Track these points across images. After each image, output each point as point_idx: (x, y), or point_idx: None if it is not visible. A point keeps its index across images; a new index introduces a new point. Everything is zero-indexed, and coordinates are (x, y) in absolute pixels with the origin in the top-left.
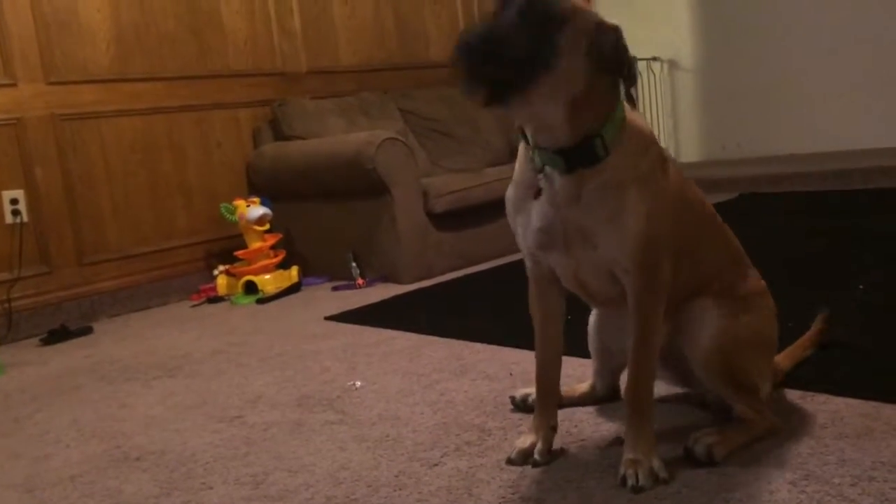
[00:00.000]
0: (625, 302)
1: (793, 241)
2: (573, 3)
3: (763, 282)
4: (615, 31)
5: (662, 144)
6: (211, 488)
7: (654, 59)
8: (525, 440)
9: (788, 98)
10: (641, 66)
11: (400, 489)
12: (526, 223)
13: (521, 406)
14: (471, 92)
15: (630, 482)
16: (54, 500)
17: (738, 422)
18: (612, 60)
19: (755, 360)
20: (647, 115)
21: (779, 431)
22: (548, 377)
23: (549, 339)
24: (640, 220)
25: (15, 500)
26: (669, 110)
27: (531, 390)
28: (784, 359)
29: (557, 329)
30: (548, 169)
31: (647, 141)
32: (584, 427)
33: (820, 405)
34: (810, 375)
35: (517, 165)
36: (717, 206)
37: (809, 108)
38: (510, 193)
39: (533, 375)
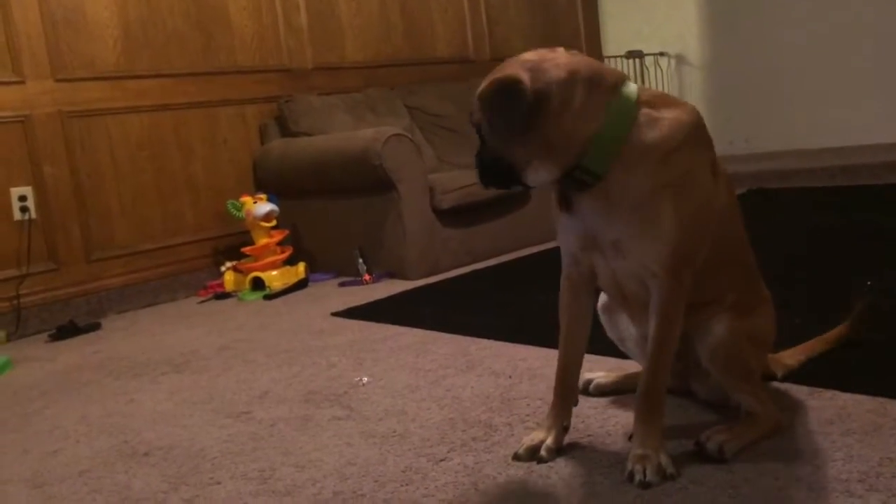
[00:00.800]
0: None
1: (800, 237)
2: (481, 95)
3: (767, 291)
4: (482, 104)
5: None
6: (219, 483)
7: (662, 54)
8: (534, 437)
9: (797, 93)
10: (649, 61)
11: (407, 484)
12: (566, 228)
13: (582, 390)
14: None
15: (638, 478)
16: (63, 494)
17: (746, 419)
18: (505, 113)
19: (755, 355)
20: None
21: (785, 429)
22: (568, 377)
23: (574, 340)
24: (672, 229)
25: (24, 495)
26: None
27: (594, 374)
28: (797, 353)
29: (584, 331)
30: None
31: (673, 146)
32: (590, 423)
33: (827, 401)
34: (818, 371)
35: None
36: None
37: (818, 103)
38: (553, 198)
39: (535, 371)
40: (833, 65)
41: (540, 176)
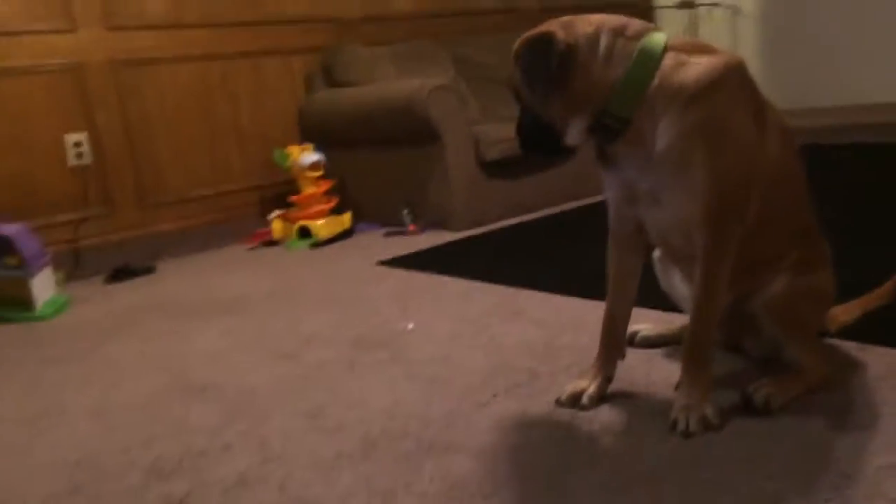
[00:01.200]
0: None
1: (855, 193)
2: (516, 57)
3: (828, 249)
4: (517, 61)
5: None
6: (270, 419)
7: (715, 4)
8: (577, 384)
9: (855, 46)
10: (701, 11)
11: (451, 426)
12: (608, 182)
13: (628, 342)
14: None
15: (680, 427)
16: (124, 425)
17: (794, 372)
18: (540, 68)
19: (813, 311)
20: None
21: (834, 382)
22: (614, 331)
23: (621, 295)
24: (705, 179)
25: (88, 425)
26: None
27: (640, 326)
28: (852, 308)
29: (631, 287)
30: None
31: (701, 89)
32: (635, 374)
33: (878, 357)
34: (869, 327)
35: None
36: None
37: (877, 57)
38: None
39: (579, 322)
40: (892, 18)
41: (575, 129)
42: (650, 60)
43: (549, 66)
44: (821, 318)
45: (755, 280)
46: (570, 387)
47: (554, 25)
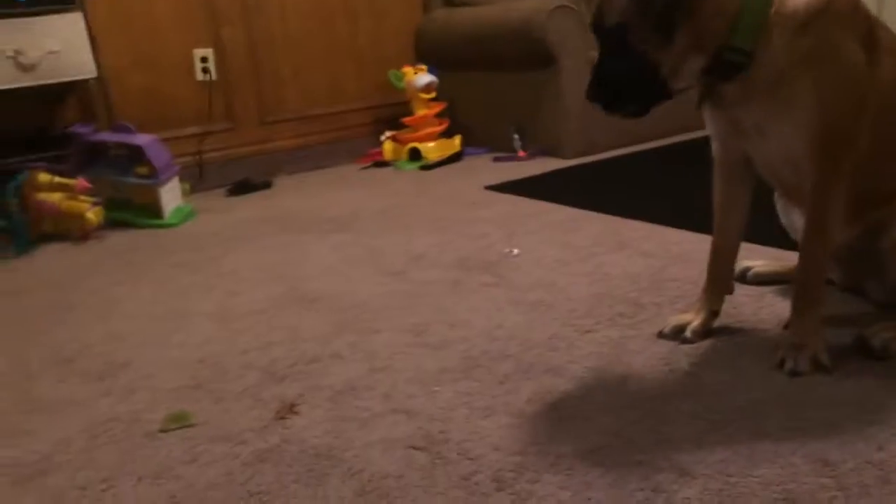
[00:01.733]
0: None
1: None
2: (618, 4)
3: None
4: None
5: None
6: (378, 332)
7: None
8: (682, 318)
9: None
10: None
11: (552, 350)
12: (710, 116)
13: (739, 278)
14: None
15: (789, 365)
16: (243, 329)
17: None
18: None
19: None
20: None
21: None
22: (720, 264)
23: (727, 227)
24: (809, 106)
25: (210, 326)
26: None
27: (754, 262)
28: None
29: (738, 219)
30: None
31: (811, 15)
32: (744, 310)
33: None
34: None
35: None
36: None
37: None
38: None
39: (688, 255)
40: None
41: (691, 69)
42: None
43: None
44: None
45: (880, 216)
46: (674, 319)
47: None
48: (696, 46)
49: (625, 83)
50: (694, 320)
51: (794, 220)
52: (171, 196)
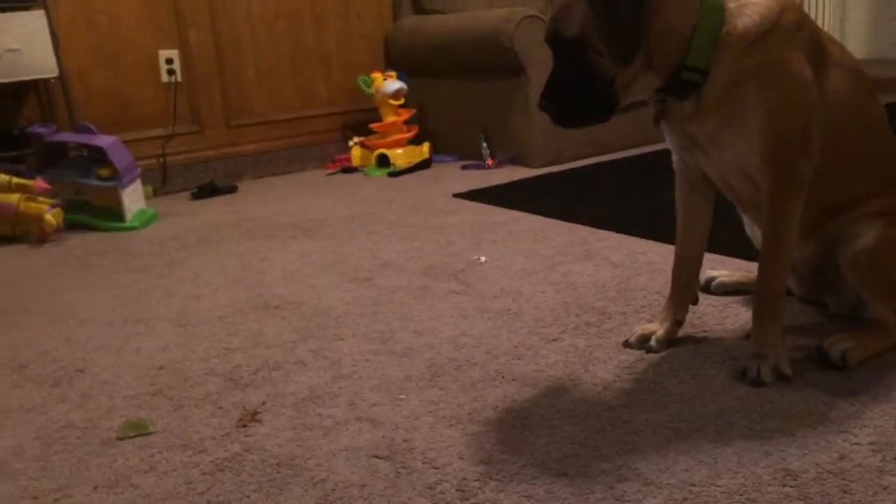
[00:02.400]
0: None
1: None
2: (573, 9)
3: None
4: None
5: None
6: (342, 339)
7: None
8: (647, 327)
9: None
10: None
11: (518, 358)
12: (667, 130)
13: (704, 288)
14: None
15: (751, 375)
16: (204, 335)
17: (876, 328)
18: (615, 18)
19: None
20: (812, 5)
21: None
22: (684, 273)
23: (689, 236)
24: (760, 118)
25: (170, 332)
26: (837, 1)
27: (718, 272)
28: None
29: (700, 229)
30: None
31: (762, 31)
32: (708, 319)
33: None
34: None
35: None
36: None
37: None
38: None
39: (654, 265)
40: None
41: (644, 86)
42: (718, 6)
43: (634, 10)
44: None
45: (836, 227)
46: (640, 328)
47: None
48: (650, 65)
49: (578, 96)
50: (658, 330)
51: (756, 231)
52: (133, 199)
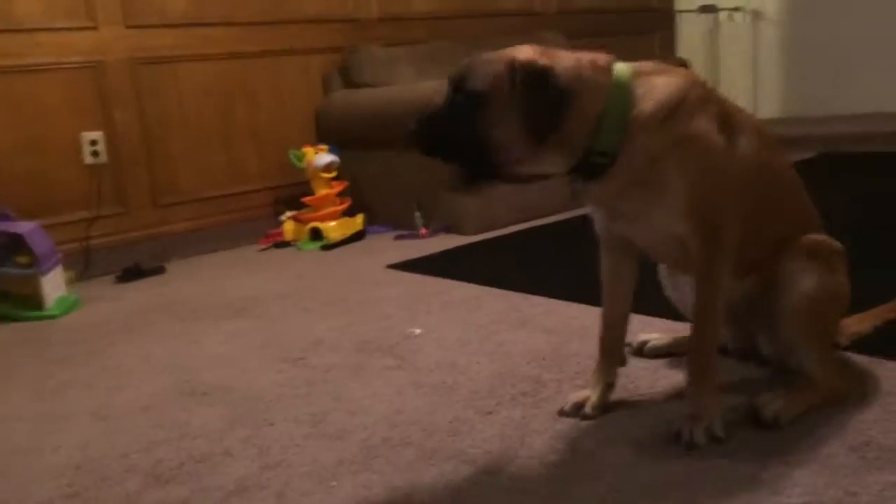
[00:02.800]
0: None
1: (872, 203)
2: (492, 70)
3: (841, 251)
4: (524, 79)
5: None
6: (272, 425)
7: (737, 9)
8: (580, 394)
9: (876, 55)
10: (723, 16)
11: (454, 434)
12: (589, 201)
13: (637, 351)
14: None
15: (685, 438)
16: (126, 428)
17: (805, 384)
18: (536, 106)
19: (835, 318)
20: (727, 68)
21: (845, 397)
22: (611, 335)
23: (615, 299)
24: (683, 191)
25: (89, 427)
26: (750, 63)
27: (650, 336)
28: (865, 319)
29: (625, 290)
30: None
31: (668, 110)
32: (641, 383)
33: (888, 371)
34: (879, 341)
35: None
36: (795, 164)
37: None
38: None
39: (587, 330)
40: None
41: (551, 166)
42: (626, 92)
43: (554, 103)
44: (837, 324)
45: (769, 271)
46: (573, 396)
47: (538, 55)
48: (559, 148)
49: (450, 147)
50: (591, 396)
51: (682, 293)
52: (53, 285)
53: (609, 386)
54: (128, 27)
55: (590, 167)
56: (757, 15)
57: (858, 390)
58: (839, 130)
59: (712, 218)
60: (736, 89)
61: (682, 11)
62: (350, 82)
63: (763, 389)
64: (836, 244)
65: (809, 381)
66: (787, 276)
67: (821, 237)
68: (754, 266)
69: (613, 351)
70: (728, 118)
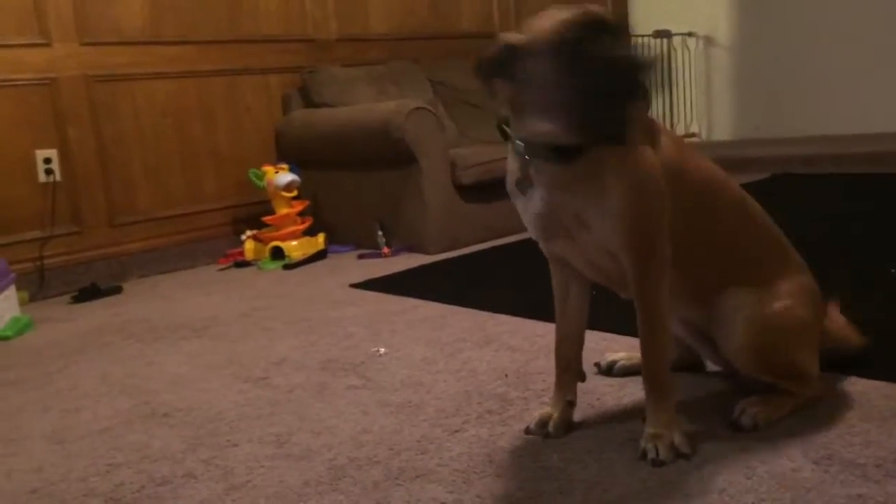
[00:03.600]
0: None
1: (824, 224)
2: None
3: (802, 271)
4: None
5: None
6: (236, 446)
7: (690, 34)
8: (544, 411)
9: (825, 78)
10: (676, 41)
11: (422, 453)
12: (524, 209)
13: (606, 371)
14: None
15: (650, 455)
16: (83, 451)
17: (783, 391)
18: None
19: (795, 346)
20: (680, 91)
21: (822, 398)
22: (566, 352)
23: (567, 315)
24: (619, 197)
25: (44, 451)
26: (704, 88)
27: (618, 356)
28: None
29: (577, 306)
30: (536, 160)
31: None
32: (606, 400)
33: (848, 386)
34: (836, 358)
35: (509, 154)
36: (749, 186)
37: (847, 89)
38: (508, 181)
39: (552, 347)
40: (864, 51)
41: (533, 131)
42: None
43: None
44: (808, 348)
45: (710, 302)
46: (538, 414)
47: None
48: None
49: (617, 114)
50: (554, 413)
51: None
52: (5, 306)
53: (570, 404)
54: (82, 44)
55: (566, 148)
56: (709, 40)
57: (819, 405)
58: (789, 152)
59: (645, 234)
60: (689, 111)
61: (637, 35)
62: (310, 102)
63: (738, 397)
64: (789, 258)
65: (787, 390)
66: (722, 317)
67: (775, 275)
68: (703, 295)
69: (570, 367)
70: (656, 138)
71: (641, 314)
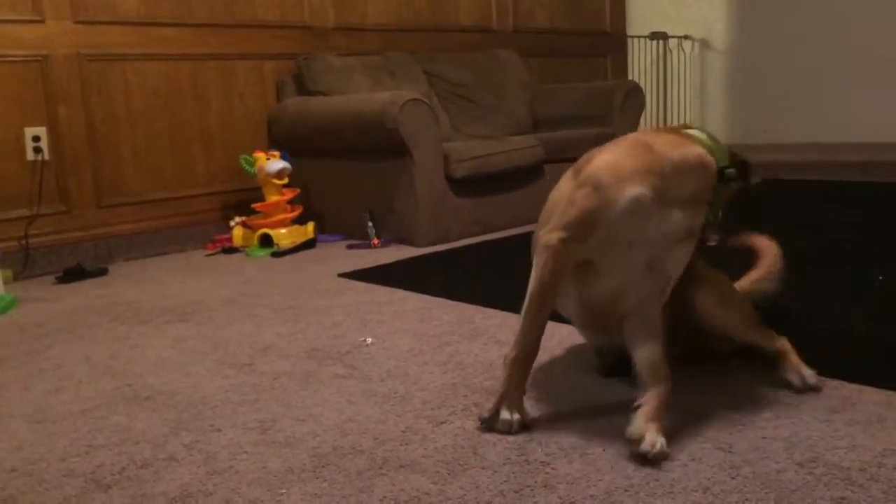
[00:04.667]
0: None
1: (813, 230)
2: None
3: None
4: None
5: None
6: (219, 430)
7: (686, 37)
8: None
9: (819, 85)
10: (672, 43)
11: (406, 444)
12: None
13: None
14: None
15: (633, 450)
16: (63, 432)
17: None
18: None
19: (745, 302)
20: (675, 93)
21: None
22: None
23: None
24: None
25: (24, 430)
26: (697, 91)
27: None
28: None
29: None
30: None
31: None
32: (591, 395)
33: (833, 390)
34: (825, 361)
35: None
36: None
37: (840, 97)
38: None
39: (543, 344)
40: (859, 59)
41: None
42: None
43: None
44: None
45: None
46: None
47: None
48: None
49: None
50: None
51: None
52: None
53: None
54: (76, 22)
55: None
56: (705, 44)
57: (804, 408)
58: (779, 158)
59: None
60: (683, 114)
61: (633, 37)
62: (304, 89)
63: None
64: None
65: (780, 352)
66: (690, 296)
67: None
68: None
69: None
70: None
71: (656, 332)
